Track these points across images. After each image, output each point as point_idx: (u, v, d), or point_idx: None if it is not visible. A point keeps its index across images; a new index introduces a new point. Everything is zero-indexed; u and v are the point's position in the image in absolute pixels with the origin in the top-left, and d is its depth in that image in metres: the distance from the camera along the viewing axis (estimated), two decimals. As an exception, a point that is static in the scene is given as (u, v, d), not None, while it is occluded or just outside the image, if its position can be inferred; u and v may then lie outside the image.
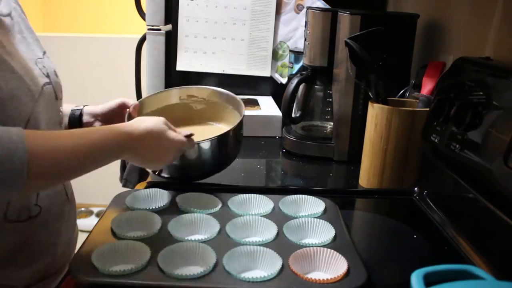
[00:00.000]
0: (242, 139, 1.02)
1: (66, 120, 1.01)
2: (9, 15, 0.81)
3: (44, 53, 0.88)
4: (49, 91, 0.83)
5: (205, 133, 0.95)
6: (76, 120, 1.01)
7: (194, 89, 1.11)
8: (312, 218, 0.81)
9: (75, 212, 0.96)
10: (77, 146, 0.70)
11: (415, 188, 1.00)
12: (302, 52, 1.34)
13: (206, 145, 0.93)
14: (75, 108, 1.02)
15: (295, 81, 1.23)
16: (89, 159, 0.71)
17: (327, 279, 0.65)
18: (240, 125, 0.98)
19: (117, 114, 1.01)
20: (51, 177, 0.68)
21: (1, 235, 0.76)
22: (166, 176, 0.98)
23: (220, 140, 0.94)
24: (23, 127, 0.74)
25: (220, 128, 1.07)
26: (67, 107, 1.02)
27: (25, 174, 0.62)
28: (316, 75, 1.27)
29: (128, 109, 1.00)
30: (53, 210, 0.84)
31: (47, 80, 0.83)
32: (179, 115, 1.08)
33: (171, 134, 0.83)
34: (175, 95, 1.10)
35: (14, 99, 0.72)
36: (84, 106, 1.03)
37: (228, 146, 0.98)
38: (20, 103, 0.73)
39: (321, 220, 0.80)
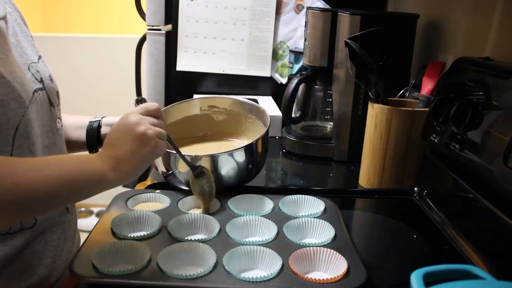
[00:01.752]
0: (267, 148, 0.99)
1: (83, 132, 0.98)
2: (3, 18, 0.79)
3: (40, 57, 0.86)
4: (42, 97, 0.80)
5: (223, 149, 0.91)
6: (94, 132, 0.98)
7: (215, 99, 1.07)
8: (312, 218, 0.81)
9: (76, 223, 0.93)
10: (39, 172, 0.62)
11: (415, 188, 1.00)
12: (302, 52, 1.34)
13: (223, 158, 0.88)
14: (93, 119, 1.00)
15: (295, 81, 1.23)
16: (60, 185, 0.63)
17: (327, 279, 0.65)
18: (266, 135, 0.94)
19: None
20: (9, 209, 0.59)
21: None
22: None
23: (246, 151, 0.90)
24: (12, 134, 0.72)
25: (241, 144, 1.04)
26: (84, 119, 1.00)
27: None
28: (316, 75, 1.27)
29: None
30: (49, 221, 0.81)
31: (39, 85, 0.80)
32: (200, 127, 1.06)
33: (132, 117, 0.74)
34: (196, 105, 1.06)
35: (3, 105, 0.69)
36: (102, 117, 1.00)
37: (253, 157, 0.94)
38: (9, 109, 0.70)
39: (321, 220, 0.80)
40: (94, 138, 0.98)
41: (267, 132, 0.94)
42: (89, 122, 1.00)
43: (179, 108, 1.05)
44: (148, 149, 0.72)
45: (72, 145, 0.99)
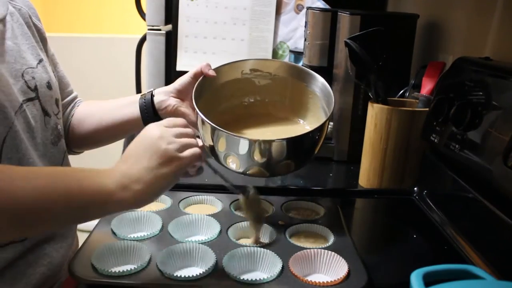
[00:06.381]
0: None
1: (135, 110, 0.91)
2: (1, 21, 0.76)
3: (40, 61, 0.81)
4: (32, 108, 0.76)
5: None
6: (148, 104, 0.90)
7: (261, 62, 0.93)
8: (312, 223, 0.81)
9: (73, 231, 0.89)
10: (26, 182, 0.55)
11: (415, 188, 1.00)
12: (302, 52, 1.34)
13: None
14: (144, 93, 0.93)
15: (295, 81, 1.22)
16: (53, 199, 0.57)
17: (327, 281, 0.64)
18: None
19: (193, 86, 0.86)
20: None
21: None
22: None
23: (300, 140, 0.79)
24: (0, 147, 0.68)
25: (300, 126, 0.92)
26: (132, 97, 0.94)
27: None
28: (316, 75, 1.26)
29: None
30: (42, 234, 0.78)
31: (31, 95, 0.76)
32: (239, 93, 0.93)
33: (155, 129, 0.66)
34: (238, 68, 0.93)
35: None
36: (153, 89, 0.93)
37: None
38: None
39: (320, 226, 0.80)
40: (149, 108, 0.90)
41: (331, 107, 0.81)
42: (140, 96, 0.93)
43: (227, 69, 0.93)
44: (168, 169, 0.63)
45: (125, 125, 0.93)
